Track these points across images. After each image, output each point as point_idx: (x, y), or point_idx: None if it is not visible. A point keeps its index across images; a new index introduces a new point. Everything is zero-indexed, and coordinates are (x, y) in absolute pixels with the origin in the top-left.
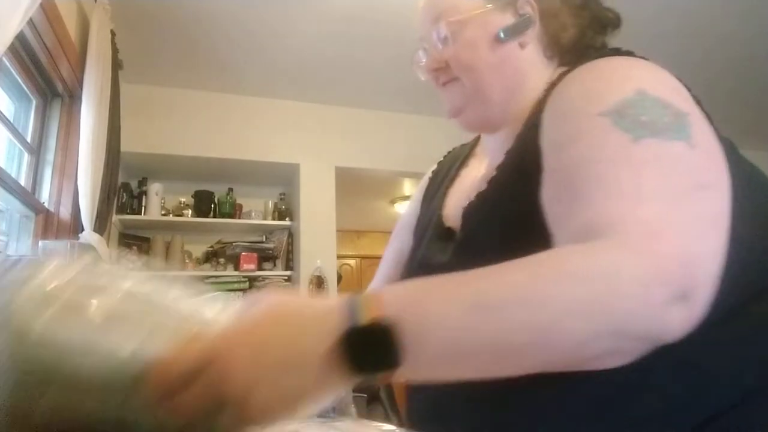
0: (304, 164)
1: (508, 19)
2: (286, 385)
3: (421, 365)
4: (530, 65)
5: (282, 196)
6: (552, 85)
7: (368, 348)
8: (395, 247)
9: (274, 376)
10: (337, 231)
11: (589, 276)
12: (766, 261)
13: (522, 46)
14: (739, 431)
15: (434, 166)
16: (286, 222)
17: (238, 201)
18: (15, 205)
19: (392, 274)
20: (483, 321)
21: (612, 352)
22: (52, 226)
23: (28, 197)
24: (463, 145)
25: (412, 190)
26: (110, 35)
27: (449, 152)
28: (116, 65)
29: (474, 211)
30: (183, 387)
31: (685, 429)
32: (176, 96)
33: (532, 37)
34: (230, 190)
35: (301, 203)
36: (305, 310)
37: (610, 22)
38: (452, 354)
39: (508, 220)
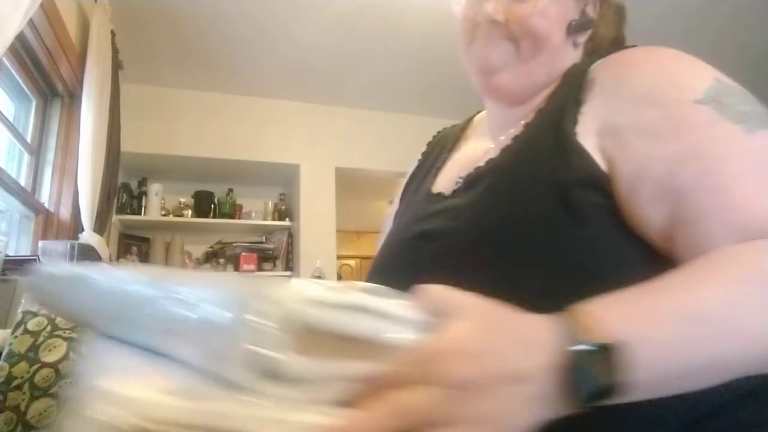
0: (304, 164)
1: (575, 12)
2: (510, 397)
3: (641, 387)
4: (571, 60)
5: (282, 197)
6: (575, 68)
7: (598, 369)
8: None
9: (500, 389)
10: (337, 231)
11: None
12: None
13: (575, 45)
14: (738, 428)
15: (424, 149)
16: (286, 222)
17: (238, 201)
18: (15, 205)
19: None
20: (695, 335)
21: None
22: (52, 226)
23: (28, 197)
24: (453, 126)
25: None
26: (110, 35)
27: (438, 133)
28: (116, 65)
29: (480, 176)
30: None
31: (674, 428)
32: (176, 96)
33: (585, 38)
34: (230, 190)
35: (301, 203)
36: (521, 325)
37: (621, 41)
38: (670, 372)
39: (526, 191)
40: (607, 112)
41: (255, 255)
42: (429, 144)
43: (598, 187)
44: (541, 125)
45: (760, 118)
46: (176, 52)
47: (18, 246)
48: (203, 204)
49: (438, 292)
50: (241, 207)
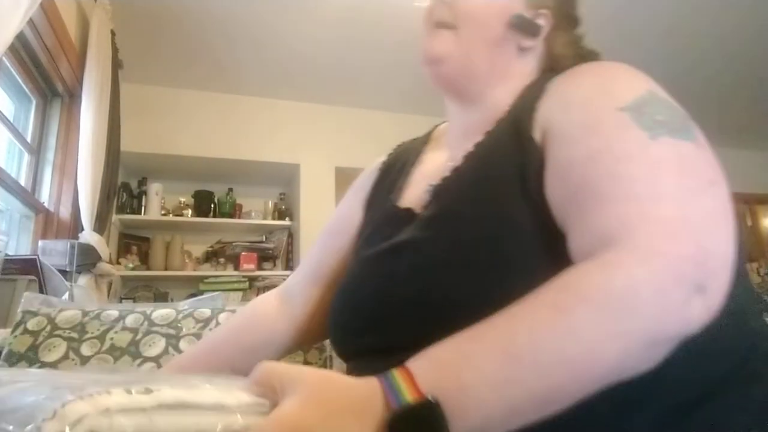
0: (304, 164)
1: (524, 12)
2: None
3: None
4: (521, 71)
5: (282, 196)
6: (537, 82)
7: (416, 429)
8: (317, 258)
9: None
10: None
11: (609, 298)
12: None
13: (520, 49)
14: (716, 420)
15: (383, 157)
16: (286, 222)
17: (238, 201)
18: (15, 205)
19: (317, 284)
20: (519, 371)
21: (647, 359)
22: (52, 225)
23: (28, 197)
24: (413, 140)
25: None
26: (110, 35)
27: (398, 146)
28: (116, 65)
29: (448, 185)
30: None
31: (669, 413)
32: (176, 96)
33: (533, 48)
34: (230, 190)
35: (301, 203)
36: (348, 395)
37: (580, 58)
38: (498, 412)
39: (483, 194)
40: (546, 117)
41: (255, 254)
42: (389, 156)
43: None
44: (501, 132)
45: (672, 126)
46: (176, 51)
47: (18, 246)
48: (203, 203)
49: (268, 369)
50: (241, 206)
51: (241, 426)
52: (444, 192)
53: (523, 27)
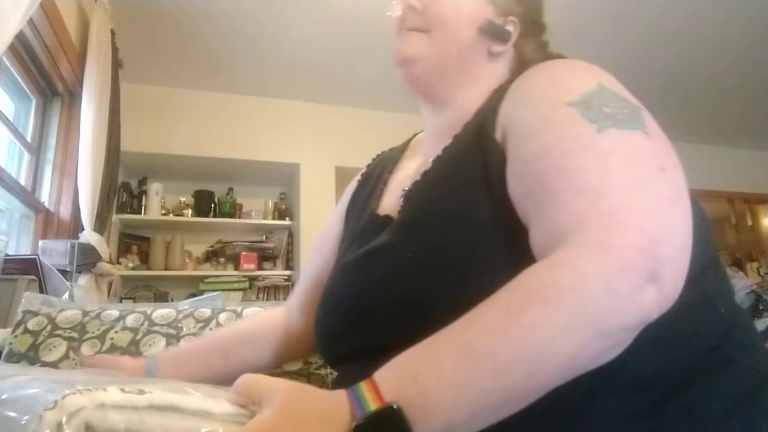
0: (304, 164)
1: (494, 18)
2: None
3: None
4: (490, 74)
5: (282, 196)
6: (502, 86)
7: None
8: (317, 264)
9: None
10: None
11: (559, 294)
12: (702, 243)
13: (490, 53)
14: (692, 408)
15: (363, 170)
16: (286, 222)
17: (238, 201)
18: (15, 205)
19: (310, 293)
20: (477, 372)
21: (604, 350)
22: (52, 225)
23: (28, 197)
24: (392, 149)
25: None
26: (110, 35)
27: (378, 156)
28: (116, 65)
29: (417, 189)
30: None
31: (644, 403)
32: (176, 96)
33: (503, 53)
34: (230, 189)
35: (301, 203)
36: (318, 407)
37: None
38: (460, 413)
39: (448, 196)
40: (504, 115)
41: (255, 254)
42: (368, 166)
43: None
44: (467, 135)
45: (619, 118)
46: (176, 51)
47: (18, 245)
48: (203, 203)
49: (248, 381)
50: (241, 206)
51: None
52: (413, 196)
53: (493, 32)
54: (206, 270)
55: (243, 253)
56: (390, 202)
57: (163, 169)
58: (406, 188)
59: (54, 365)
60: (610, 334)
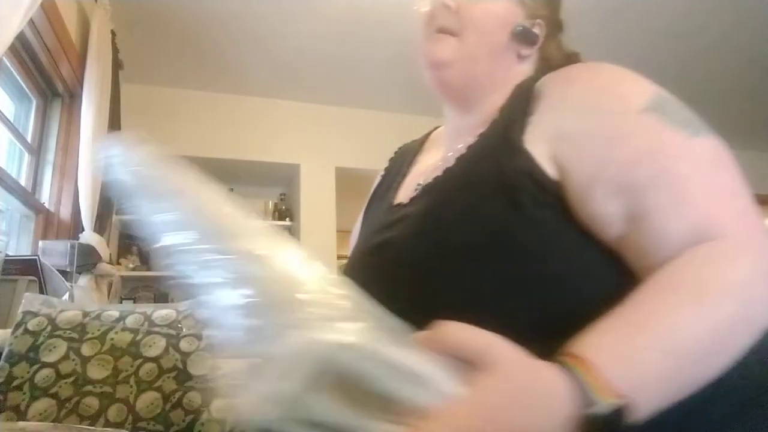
0: (304, 164)
1: (523, 20)
2: None
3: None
4: (516, 77)
5: (282, 196)
6: (526, 82)
7: (607, 423)
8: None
9: None
10: (337, 231)
11: (737, 289)
12: None
13: (520, 57)
14: None
15: (387, 164)
16: (286, 222)
17: None
18: (15, 205)
19: None
20: (681, 369)
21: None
22: (52, 226)
23: (28, 197)
24: (413, 141)
25: None
26: (110, 35)
27: (399, 149)
28: (116, 65)
29: (437, 185)
30: None
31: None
32: (176, 96)
33: (530, 56)
34: (230, 190)
35: (301, 203)
36: (537, 389)
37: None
38: (656, 405)
39: (477, 195)
40: (557, 124)
41: None
42: (391, 160)
43: (545, 188)
44: (491, 134)
45: (698, 125)
46: (176, 52)
47: (18, 246)
48: None
49: (464, 338)
50: None
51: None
52: (432, 191)
53: (524, 36)
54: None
55: None
56: (405, 194)
57: None
58: (423, 182)
59: (54, 366)
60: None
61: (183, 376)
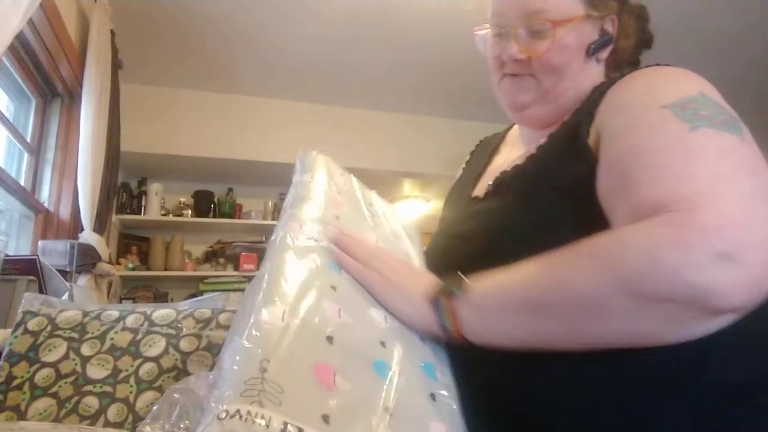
0: None
1: (594, 33)
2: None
3: (468, 306)
4: (597, 76)
5: (282, 196)
6: (602, 85)
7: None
8: None
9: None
10: None
11: (598, 251)
12: None
13: (599, 61)
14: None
15: (467, 158)
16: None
17: (238, 201)
18: (15, 205)
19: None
20: (509, 279)
21: (638, 314)
22: (52, 226)
23: (27, 197)
24: (494, 135)
25: (412, 190)
26: (110, 35)
27: (480, 142)
28: (116, 65)
29: (506, 181)
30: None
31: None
32: (176, 96)
33: (607, 53)
34: (230, 190)
35: None
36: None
37: (650, 41)
38: (491, 299)
39: (541, 191)
40: (600, 120)
41: (255, 255)
42: (472, 153)
43: None
44: (562, 136)
45: (713, 121)
46: (176, 52)
47: (18, 246)
48: (203, 204)
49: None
50: (241, 207)
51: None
52: (502, 187)
53: (599, 48)
54: (206, 270)
55: (243, 253)
56: (481, 187)
57: (162, 169)
58: (498, 176)
59: (54, 365)
60: (641, 296)
61: (183, 376)
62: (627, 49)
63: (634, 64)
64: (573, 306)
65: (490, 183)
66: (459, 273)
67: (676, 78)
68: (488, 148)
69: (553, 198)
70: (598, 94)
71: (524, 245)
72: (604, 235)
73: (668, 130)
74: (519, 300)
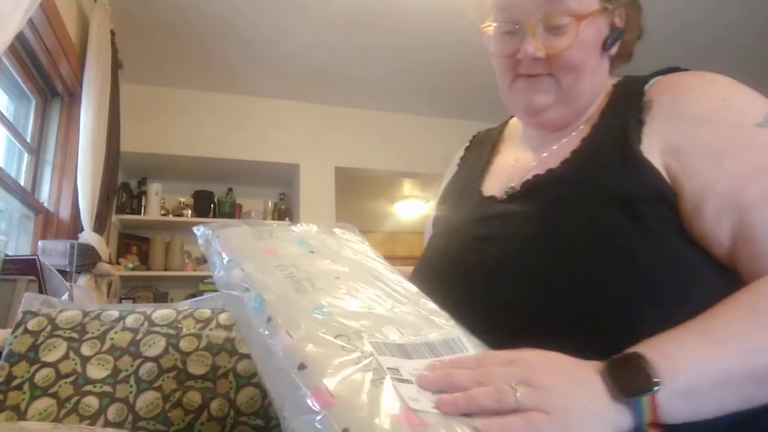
0: (304, 164)
1: (605, 27)
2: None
3: (676, 395)
4: (606, 72)
5: (282, 196)
6: (626, 83)
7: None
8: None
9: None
10: None
11: None
12: None
13: (610, 56)
14: None
15: (461, 153)
16: (286, 222)
17: (238, 201)
18: (15, 205)
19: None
20: (721, 350)
21: None
22: (52, 226)
23: (27, 197)
24: (488, 130)
25: (412, 190)
26: (110, 35)
27: (474, 137)
28: (116, 65)
29: (544, 183)
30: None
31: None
32: (176, 96)
33: (617, 48)
34: (230, 190)
35: (301, 203)
36: (570, 363)
37: (642, 32)
38: (706, 380)
39: (597, 205)
40: (669, 134)
41: None
42: (466, 149)
43: (665, 201)
44: (602, 141)
45: None
46: (176, 52)
47: (18, 246)
48: (203, 204)
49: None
50: (240, 207)
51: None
52: (537, 191)
53: (614, 42)
54: (206, 270)
55: None
56: (497, 186)
57: (162, 169)
58: (525, 179)
59: (54, 365)
60: None
61: (183, 376)
62: (630, 43)
63: (628, 57)
64: None
65: (513, 185)
66: (628, 348)
67: (739, 90)
68: (485, 144)
69: (603, 207)
70: (632, 95)
71: (571, 255)
72: None
73: None
74: (744, 373)
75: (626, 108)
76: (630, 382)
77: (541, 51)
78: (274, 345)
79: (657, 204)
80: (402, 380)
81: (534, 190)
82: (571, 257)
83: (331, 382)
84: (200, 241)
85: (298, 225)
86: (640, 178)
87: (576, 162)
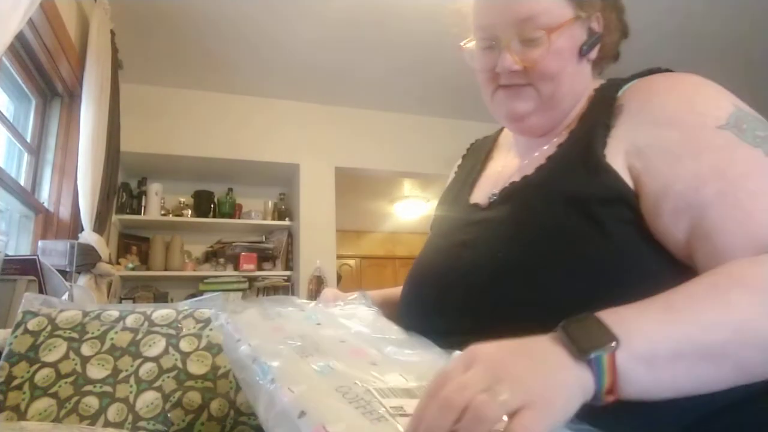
0: (304, 164)
1: (583, 33)
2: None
3: (634, 358)
4: (588, 76)
5: (282, 196)
6: (603, 89)
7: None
8: None
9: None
10: (337, 231)
11: (764, 285)
12: None
13: (589, 61)
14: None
15: (459, 161)
16: (286, 222)
17: (238, 201)
18: (15, 205)
19: None
20: (680, 320)
21: None
22: (52, 226)
23: (27, 197)
24: (485, 138)
25: (412, 190)
26: (110, 35)
27: (471, 145)
28: (116, 65)
29: (516, 192)
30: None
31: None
32: (176, 96)
33: (596, 52)
34: (230, 190)
35: (300, 203)
36: (527, 343)
37: (627, 31)
38: (663, 345)
39: (559, 209)
40: (633, 135)
41: (255, 255)
42: (463, 157)
43: (625, 202)
44: (572, 146)
45: None
46: (176, 52)
47: (18, 246)
48: (203, 204)
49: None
50: (240, 207)
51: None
52: (510, 197)
53: (590, 48)
54: (206, 270)
55: (243, 253)
56: (483, 194)
57: (162, 169)
58: (503, 186)
59: (54, 365)
60: None
61: (183, 376)
62: (612, 44)
63: (615, 57)
64: (751, 347)
65: (495, 192)
66: (591, 313)
67: (706, 90)
68: (480, 151)
69: (566, 211)
70: (606, 101)
71: (533, 257)
72: (744, 265)
73: (745, 155)
74: (701, 347)
75: (598, 113)
76: (586, 340)
77: (517, 64)
78: (276, 398)
79: (616, 205)
80: (405, 415)
81: (509, 197)
82: (532, 259)
83: (332, 425)
84: (215, 326)
85: (311, 303)
86: (599, 181)
87: (547, 168)
